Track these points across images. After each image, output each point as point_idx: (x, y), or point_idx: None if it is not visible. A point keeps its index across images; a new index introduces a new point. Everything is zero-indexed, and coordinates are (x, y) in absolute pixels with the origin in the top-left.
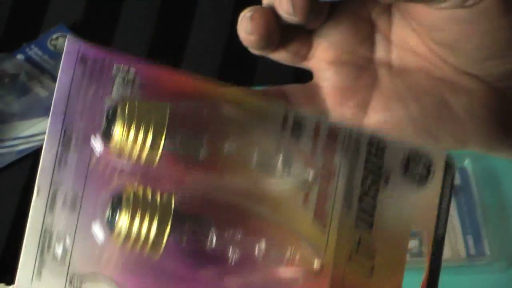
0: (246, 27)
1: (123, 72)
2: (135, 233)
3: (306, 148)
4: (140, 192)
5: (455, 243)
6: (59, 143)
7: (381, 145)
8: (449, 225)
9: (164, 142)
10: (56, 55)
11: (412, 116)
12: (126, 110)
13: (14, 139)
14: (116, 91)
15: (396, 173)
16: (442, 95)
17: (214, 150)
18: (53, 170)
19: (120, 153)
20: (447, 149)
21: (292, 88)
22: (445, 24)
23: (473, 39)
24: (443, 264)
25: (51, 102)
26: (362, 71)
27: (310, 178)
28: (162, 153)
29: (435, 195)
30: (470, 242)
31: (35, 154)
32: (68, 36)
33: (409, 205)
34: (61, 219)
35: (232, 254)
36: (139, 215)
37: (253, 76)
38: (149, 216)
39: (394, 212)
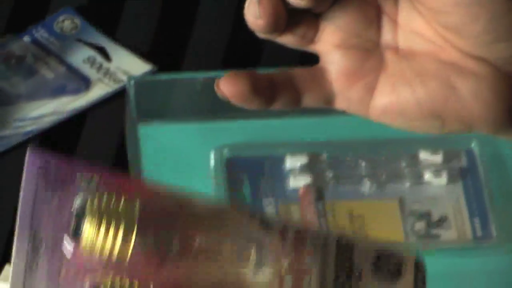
0: (254, 11)
1: (87, 179)
2: None
3: (275, 245)
4: (117, 282)
5: (461, 225)
6: (28, 249)
7: (350, 244)
8: (455, 207)
9: (136, 237)
10: (62, 37)
11: (418, 99)
12: (95, 206)
13: (21, 120)
14: (81, 196)
15: (367, 270)
16: (448, 79)
17: (186, 243)
18: (25, 274)
19: (91, 250)
20: (453, 132)
21: (298, 72)
22: (452, 7)
23: (480, 22)
24: (450, 246)
25: (58, 84)
26: (369, 54)
27: (283, 269)
28: (134, 247)
29: None
30: (477, 224)
31: (42, 135)
32: (28, 150)
33: None
34: None
35: None
36: None
37: (259, 59)
38: None
39: None
